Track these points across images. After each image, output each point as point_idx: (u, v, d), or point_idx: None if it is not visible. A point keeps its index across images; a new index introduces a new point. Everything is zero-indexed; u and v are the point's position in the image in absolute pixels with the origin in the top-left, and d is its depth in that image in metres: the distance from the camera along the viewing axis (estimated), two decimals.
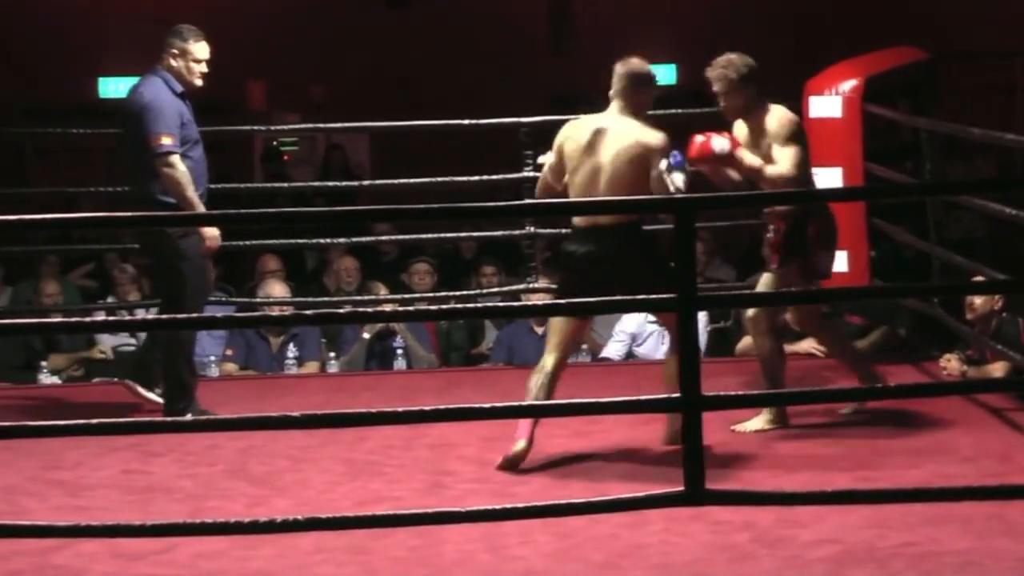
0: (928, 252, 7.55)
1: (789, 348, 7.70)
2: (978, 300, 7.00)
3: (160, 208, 6.57)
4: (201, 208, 6.59)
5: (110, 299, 9.12)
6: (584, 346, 8.52)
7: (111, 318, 8.18)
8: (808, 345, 7.70)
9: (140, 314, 8.67)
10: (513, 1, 14.11)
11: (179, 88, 6.71)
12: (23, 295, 9.32)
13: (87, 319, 7.31)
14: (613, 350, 8.43)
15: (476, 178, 8.04)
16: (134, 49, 13.74)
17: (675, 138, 6.16)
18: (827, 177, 7.23)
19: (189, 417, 6.52)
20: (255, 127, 10.65)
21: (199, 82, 6.76)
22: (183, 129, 6.66)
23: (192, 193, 6.58)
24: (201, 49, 6.74)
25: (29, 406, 7.19)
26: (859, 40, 8.19)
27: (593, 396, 5.45)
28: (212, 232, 6.68)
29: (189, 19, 6.85)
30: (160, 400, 6.78)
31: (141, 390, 6.88)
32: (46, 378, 8.10)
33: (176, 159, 6.60)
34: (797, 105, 7.46)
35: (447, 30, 13.79)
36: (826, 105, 7.32)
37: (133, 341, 8.73)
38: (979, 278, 6.73)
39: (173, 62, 6.71)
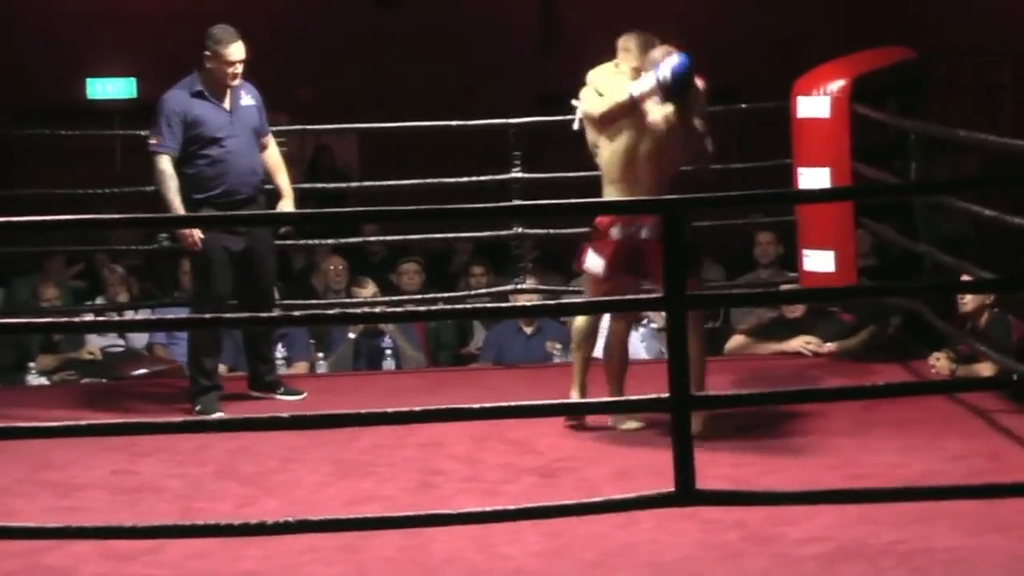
0: (915, 251, 7.54)
1: (778, 347, 7.72)
2: (968, 296, 7.01)
3: (188, 205, 6.73)
4: (178, 207, 6.68)
5: (99, 300, 9.10)
6: None
7: (142, 317, 8.35)
8: (798, 343, 7.69)
9: (129, 315, 8.70)
10: (501, 2, 14.10)
11: (197, 88, 6.81)
12: (19, 294, 9.28)
13: (119, 319, 7.49)
14: (598, 347, 8.37)
15: (464, 179, 8.03)
16: (122, 50, 13.87)
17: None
18: (815, 177, 7.22)
19: (198, 409, 6.79)
20: None
21: (234, 83, 6.85)
22: (192, 129, 6.77)
23: (167, 192, 6.73)
24: (234, 51, 6.81)
25: (18, 407, 7.16)
26: (848, 39, 8.19)
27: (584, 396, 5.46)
28: (184, 231, 6.78)
29: (179, 21, 6.86)
30: (288, 397, 7.11)
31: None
32: (34, 379, 8.07)
33: (160, 159, 6.76)
34: (785, 105, 7.48)
35: (435, 31, 13.76)
36: (814, 105, 7.29)
37: (121, 342, 8.70)
38: (966, 277, 6.73)
39: (208, 64, 6.82)
